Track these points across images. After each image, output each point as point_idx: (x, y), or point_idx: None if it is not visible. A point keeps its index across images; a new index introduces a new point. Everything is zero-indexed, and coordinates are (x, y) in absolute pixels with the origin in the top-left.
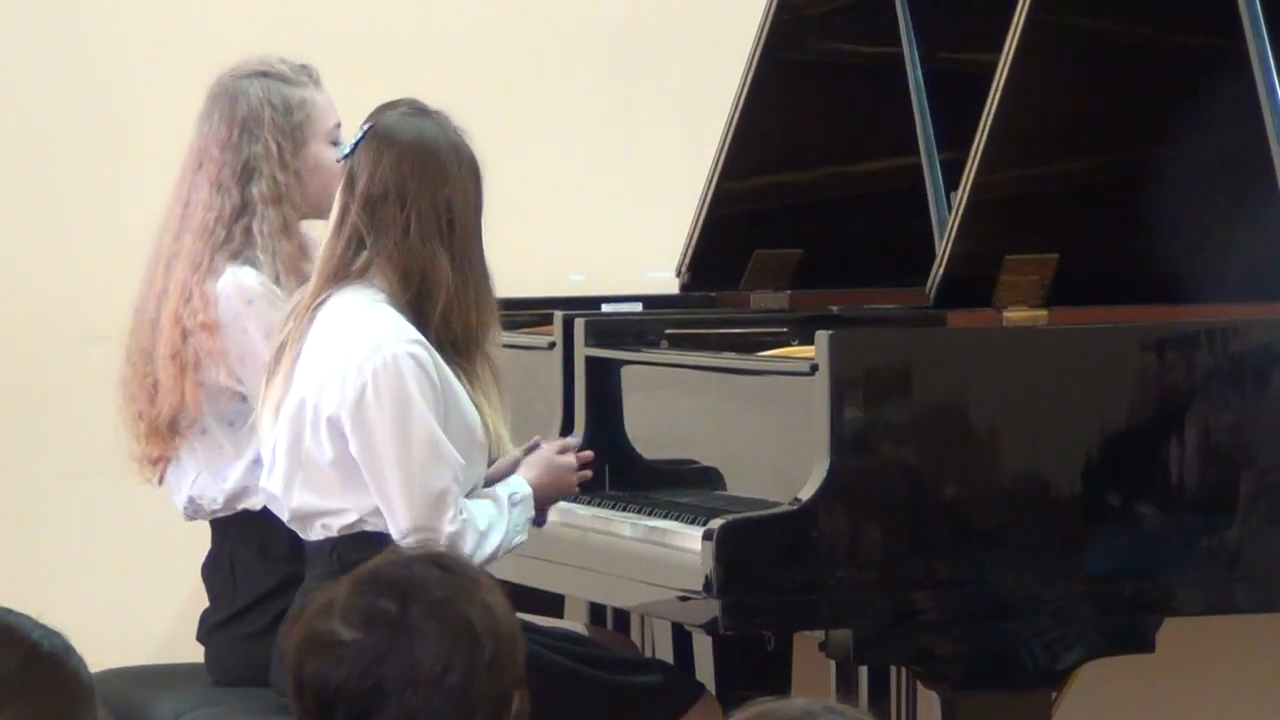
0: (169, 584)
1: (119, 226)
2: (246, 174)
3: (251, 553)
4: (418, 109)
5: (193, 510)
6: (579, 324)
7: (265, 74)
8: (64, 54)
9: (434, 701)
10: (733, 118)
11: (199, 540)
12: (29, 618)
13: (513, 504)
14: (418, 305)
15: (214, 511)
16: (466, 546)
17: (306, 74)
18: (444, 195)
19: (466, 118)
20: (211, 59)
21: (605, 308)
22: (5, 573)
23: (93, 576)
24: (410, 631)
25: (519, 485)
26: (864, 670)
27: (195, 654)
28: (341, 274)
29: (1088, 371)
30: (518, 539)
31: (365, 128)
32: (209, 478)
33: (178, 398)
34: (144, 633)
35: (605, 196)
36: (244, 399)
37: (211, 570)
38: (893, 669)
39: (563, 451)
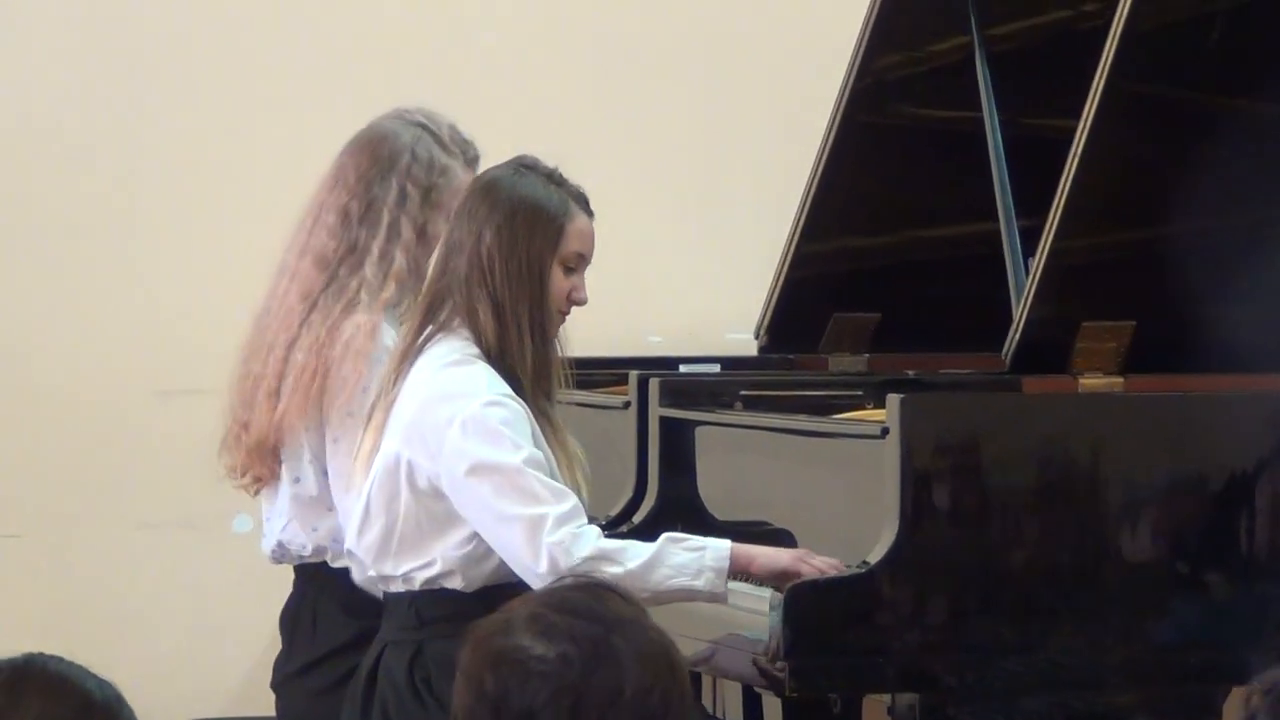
0: (243, 636)
1: (197, 281)
2: (370, 213)
3: (335, 604)
4: (520, 164)
5: (280, 553)
6: (654, 384)
7: (425, 127)
8: (144, 105)
9: (635, 719)
10: (813, 181)
11: (274, 592)
12: (82, 668)
13: (675, 542)
14: (491, 354)
15: (302, 557)
16: (580, 551)
17: (463, 149)
18: (486, 241)
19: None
20: (294, 115)
21: (683, 368)
22: (82, 623)
23: (168, 627)
24: (615, 652)
25: (707, 540)
26: None
27: (268, 706)
28: (431, 318)
29: (1161, 439)
30: (688, 581)
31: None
32: (299, 526)
33: (263, 421)
34: (217, 684)
35: (685, 258)
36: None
37: (292, 617)
38: None
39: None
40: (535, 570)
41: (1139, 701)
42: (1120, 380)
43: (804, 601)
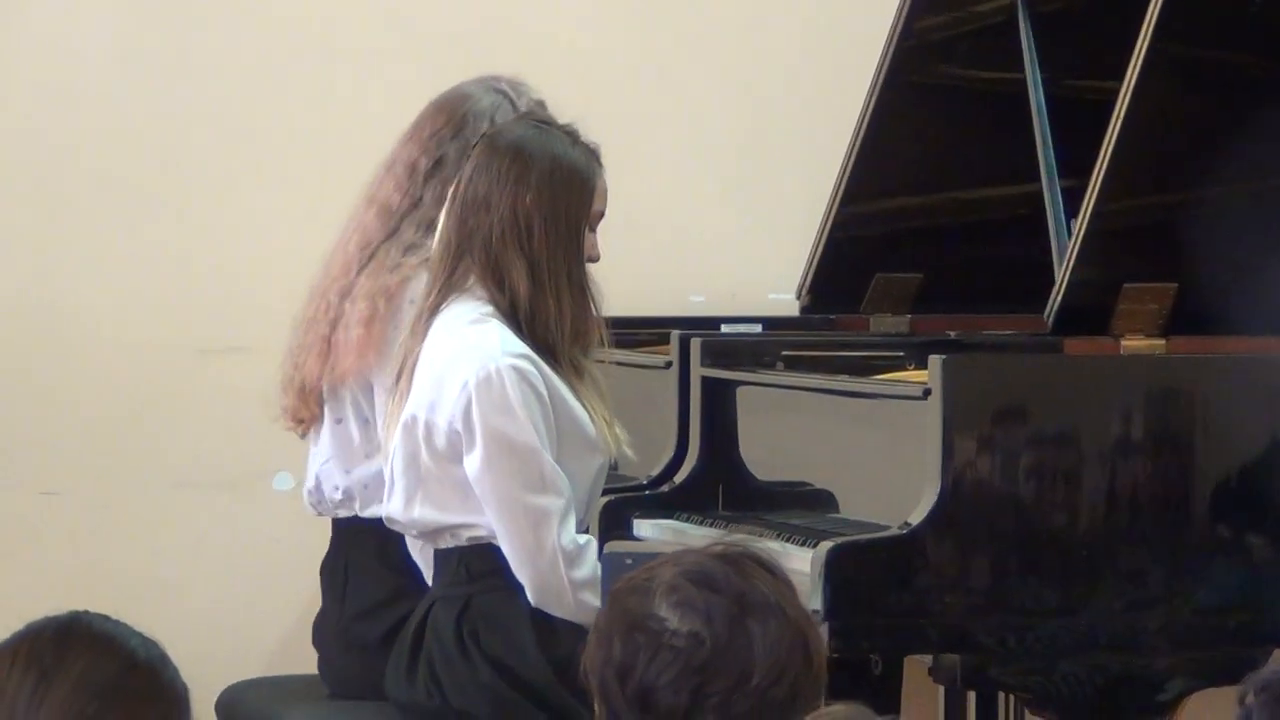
0: (282, 595)
1: (238, 240)
2: (437, 170)
3: (370, 559)
4: (535, 122)
5: (316, 498)
6: (695, 344)
7: (506, 95)
8: (191, 65)
9: (758, 707)
10: (855, 141)
11: (314, 551)
12: (127, 626)
13: None
14: (511, 313)
15: (335, 503)
16: (580, 572)
17: None
18: (525, 201)
19: (590, 137)
20: (341, 77)
21: (724, 328)
22: (120, 582)
23: (206, 585)
24: (749, 637)
25: None
26: (973, 695)
27: (305, 664)
28: (444, 282)
29: (1203, 401)
30: None
31: (478, 139)
32: (335, 466)
33: (313, 369)
34: (256, 643)
35: (728, 218)
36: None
37: (329, 573)
38: (1001, 694)
39: None
40: (533, 563)
41: (1177, 664)
42: (1162, 342)
43: (846, 562)
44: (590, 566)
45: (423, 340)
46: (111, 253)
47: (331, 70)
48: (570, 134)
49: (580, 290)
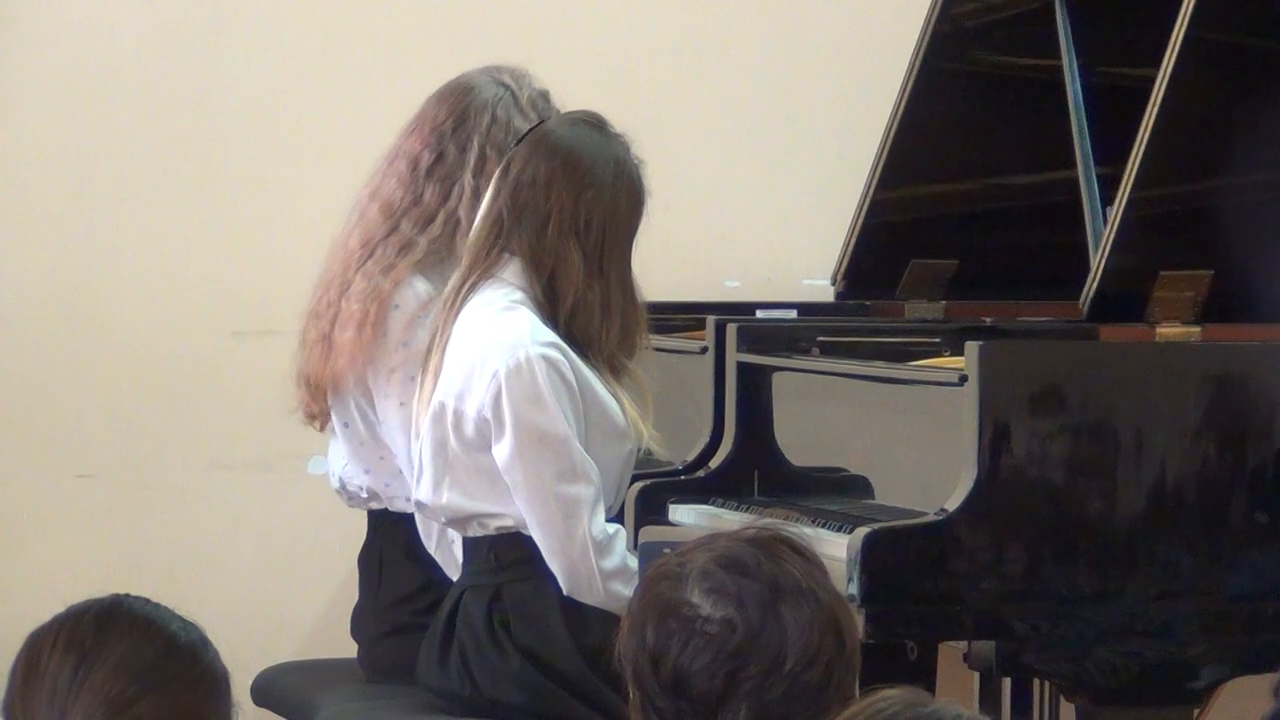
0: (317, 577)
1: (272, 222)
2: (438, 167)
3: (399, 551)
4: (594, 122)
5: (347, 496)
6: (731, 329)
7: (508, 88)
8: (223, 49)
9: (792, 691)
10: (891, 126)
11: (348, 534)
12: (168, 609)
13: None
14: (549, 302)
15: (364, 500)
16: (610, 561)
17: (541, 117)
18: (587, 198)
19: (626, 124)
20: (371, 61)
21: (759, 314)
22: (157, 563)
23: (242, 568)
24: (782, 622)
25: None
26: (1007, 681)
27: (340, 649)
28: (482, 260)
29: (1239, 388)
30: None
31: (536, 124)
32: (354, 468)
33: (315, 367)
34: (291, 625)
35: (763, 203)
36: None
37: (364, 562)
38: (1035, 680)
39: None
40: (564, 552)
41: (1212, 652)
42: (1198, 330)
43: (881, 548)
44: (620, 556)
45: (454, 321)
46: (145, 236)
47: (363, 53)
48: (624, 143)
49: (631, 293)
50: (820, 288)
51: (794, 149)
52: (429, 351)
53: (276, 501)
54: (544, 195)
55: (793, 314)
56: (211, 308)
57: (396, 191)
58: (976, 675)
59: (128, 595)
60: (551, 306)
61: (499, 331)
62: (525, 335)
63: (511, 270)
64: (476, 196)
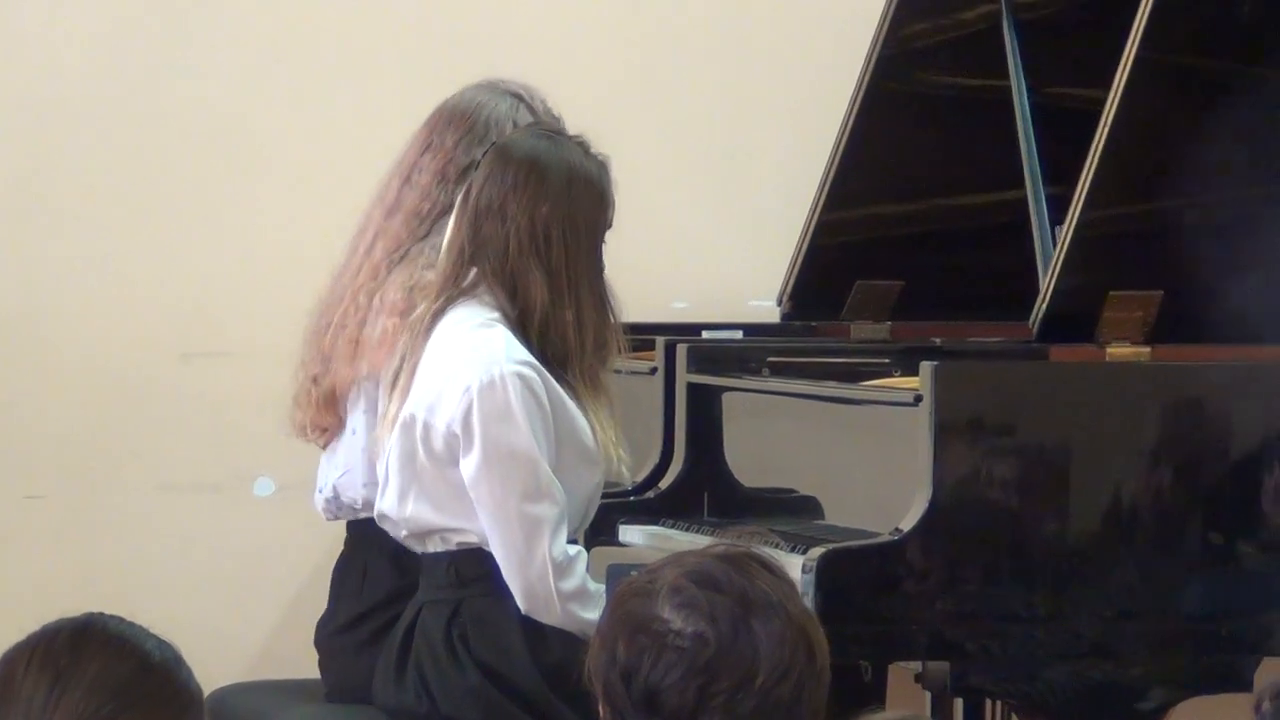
0: (265, 598)
1: (221, 243)
2: (465, 174)
3: (385, 560)
4: (547, 132)
5: (335, 508)
6: (681, 350)
7: (521, 99)
8: (174, 66)
9: (763, 706)
10: (837, 148)
11: (296, 555)
12: (142, 628)
13: None
14: (521, 321)
15: (355, 511)
16: (569, 583)
17: (556, 125)
18: (543, 214)
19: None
20: (327, 79)
21: (706, 335)
22: (105, 584)
23: (190, 589)
24: (753, 636)
25: None
26: (959, 702)
27: (289, 669)
28: (452, 287)
29: (1189, 409)
30: None
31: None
32: (355, 478)
33: (344, 372)
34: (237, 648)
35: (709, 224)
36: None
37: (341, 573)
38: (988, 701)
39: None
40: (523, 572)
41: (1159, 672)
42: (1147, 350)
43: (836, 568)
44: (579, 578)
45: (425, 341)
46: (94, 256)
47: (320, 74)
48: (582, 145)
49: (600, 300)
50: (766, 309)
51: (740, 170)
52: (397, 372)
53: (225, 523)
54: (499, 218)
55: (739, 335)
56: (160, 329)
57: (423, 204)
58: (928, 696)
59: (101, 614)
60: (524, 326)
61: (474, 348)
62: (500, 352)
63: (486, 293)
64: None
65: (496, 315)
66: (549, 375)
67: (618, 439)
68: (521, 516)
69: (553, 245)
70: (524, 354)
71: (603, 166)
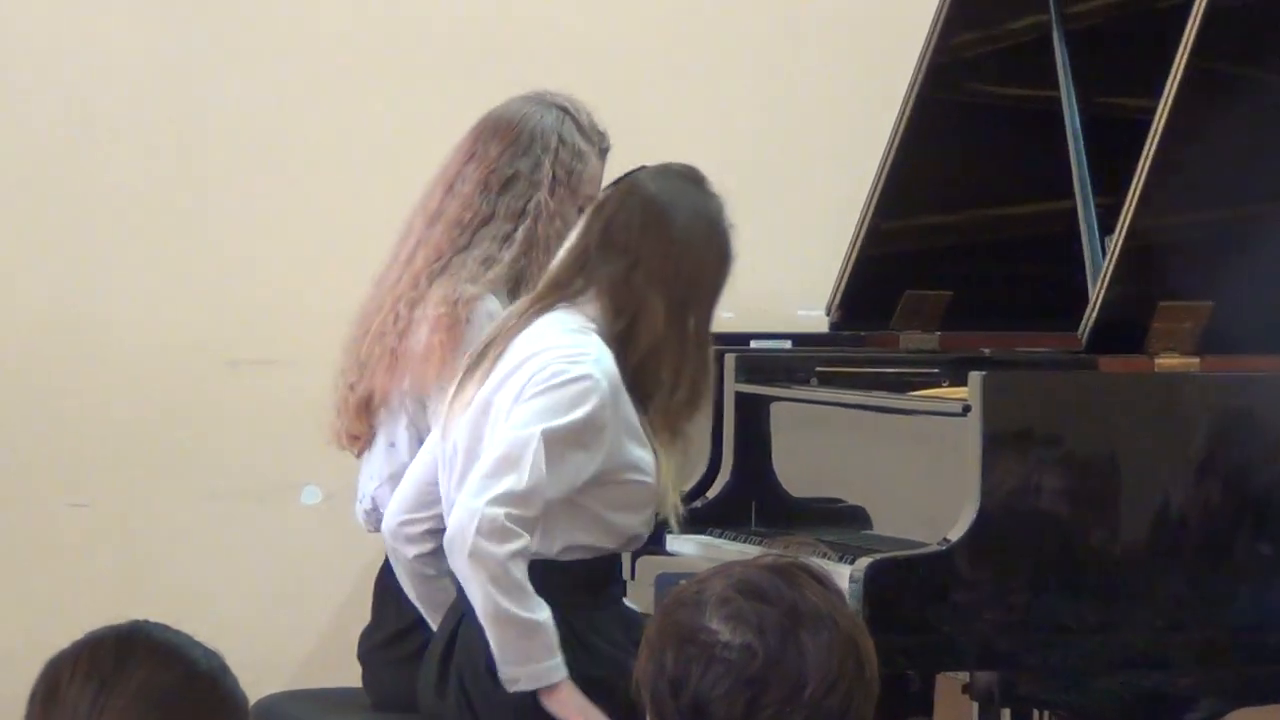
0: (310, 607)
1: (269, 251)
2: (510, 187)
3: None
4: (693, 177)
5: (375, 519)
6: (729, 359)
7: (568, 112)
8: (222, 75)
9: (813, 717)
10: (887, 157)
11: (341, 564)
12: (189, 637)
13: (545, 634)
14: (623, 344)
15: None
16: (493, 551)
17: (600, 139)
18: (678, 250)
19: (619, 154)
20: (369, 87)
21: (754, 344)
22: (151, 593)
23: (235, 597)
24: (801, 648)
25: (556, 660)
26: (1007, 712)
27: (335, 678)
28: (562, 286)
29: (1239, 419)
30: (513, 667)
31: (637, 169)
32: (391, 488)
33: (380, 381)
34: (282, 657)
35: (757, 234)
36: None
37: (382, 587)
38: (1035, 711)
39: None
40: (459, 515)
41: (1211, 682)
42: (1196, 361)
43: (884, 578)
44: (507, 557)
45: (518, 331)
46: (141, 264)
47: (371, 83)
48: (720, 204)
49: (706, 358)
50: (815, 318)
51: (789, 180)
52: (480, 355)
53: (271, 531)
54: (636, 238)
55: (788, 344)
56: (207, 337)
57: (464, 213)
58: (976, 706)
59: (147, 621)
60: (624, 350)
61: (566, 345)
62: (591, 355)
63: (590, 304)
64: (546, 214)
65: (594, 326)
66: (626, 398)
67: (678, 482)
68: (495, 467)
69: (680, 282)
70: (614, 368)
71: (732, 232)
